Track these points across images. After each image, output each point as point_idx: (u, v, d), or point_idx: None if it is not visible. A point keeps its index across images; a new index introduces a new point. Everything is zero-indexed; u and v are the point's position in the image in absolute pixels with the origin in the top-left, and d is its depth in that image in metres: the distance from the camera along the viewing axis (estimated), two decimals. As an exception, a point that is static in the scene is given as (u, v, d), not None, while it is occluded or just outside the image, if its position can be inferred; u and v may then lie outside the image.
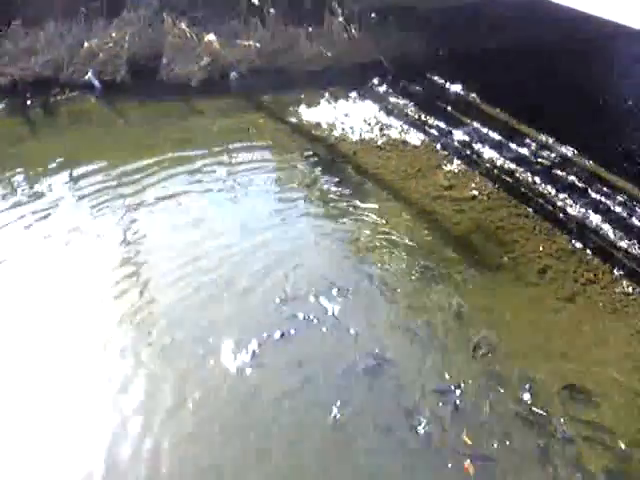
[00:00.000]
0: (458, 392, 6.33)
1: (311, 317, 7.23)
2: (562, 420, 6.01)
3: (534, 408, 6.17)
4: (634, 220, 9.14)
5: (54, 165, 10.11)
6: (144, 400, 6.23)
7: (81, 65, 12.31)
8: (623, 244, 8.66)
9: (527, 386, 6.40)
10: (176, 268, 7.96)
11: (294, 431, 5.96)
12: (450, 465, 5.60)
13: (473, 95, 12.44)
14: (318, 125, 11.25)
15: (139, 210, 9.10)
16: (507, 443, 5.83)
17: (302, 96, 12.19)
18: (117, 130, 11.01)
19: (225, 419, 6.07)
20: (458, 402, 6.23)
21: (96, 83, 12.21)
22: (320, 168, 10.14)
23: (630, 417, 6.08)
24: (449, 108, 12.09)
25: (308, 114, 11.55)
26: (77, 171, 9.94)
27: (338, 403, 6.16)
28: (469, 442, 5.78)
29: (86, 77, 12.19)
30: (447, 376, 6.53)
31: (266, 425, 6.00)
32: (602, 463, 5.64)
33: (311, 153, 10.49)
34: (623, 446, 5.78)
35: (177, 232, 8.65)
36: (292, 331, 7.02)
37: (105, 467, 5.60)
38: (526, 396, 6.31)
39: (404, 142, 10.90)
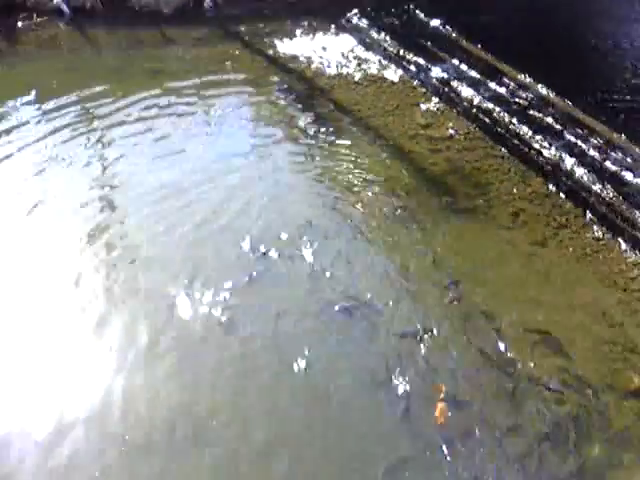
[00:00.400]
0: (427, 335, 6.42)
1: (284, 255, 7.19)
2: (531, 364, 6.17)
3: (503, 352, 6.31)
4: (608, 164, 9.18)
5: (21, 93, 9.70)
6: (118, 336, 6.22)
7: (49, -11, 11.69)
8: (596, 188, 8.72)
9: (497, 330, 6.52)
10: (147, 200, 7.82)
11: (267, 370, 6.02)
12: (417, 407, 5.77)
13: (453, 32, 12.16)
14: (295, 58, 10.94)
15: (110, 139, 8.85)
16: (476, 386, 5.98)
17: (279, 28, 11.80)
18: (87, 58, 10.57)
19: (198, 359, 6.12)
20: (427, 345, 6.32)
21: (65, 9, 11.64)
22: (296, 103, 9.92)
23: (596, 362, 6.26)
24: (428, 44, 11.83)
25: (285, 46, 11.22)
26: (45, 99, 9.56)
27: (310, 342, 6.23)
28: (442, 388, 5.89)
29: (54, 2, 11.59)
30: (418, 319, 6.60)
31: (238, 363, 6.06)
32: (568, 407, 5.83)
33: (287, 87, 10.24)
34: (589, 391, 5.97)
35: (148, 162, 8.47)
36: (264, 271, 7.00)
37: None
38: (495, 340, 6.43)
39: (382, 78, 10.69)
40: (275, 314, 6.50)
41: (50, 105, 9.43)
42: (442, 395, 5.79)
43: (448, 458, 5.35)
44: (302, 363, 6.02)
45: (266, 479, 5.20)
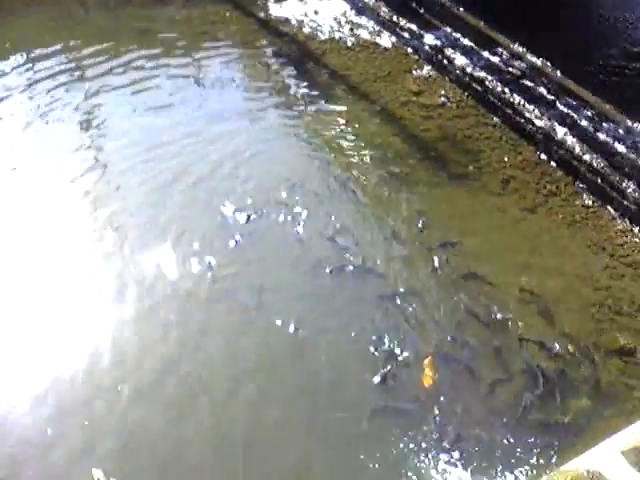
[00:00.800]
0: (416, 296, 6.43)
1: (274, 217, 7.15)
2: (519, 324, 6.21)
3: (492, 312, 6.34)
4: (599, 135, 9.18)
5: (7, 50, 9.47)
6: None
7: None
8: (587, 158, 8.73)
9: (485, 292, 6.55)
10: (137, 158, 7.74)
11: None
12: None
13: (448, -2, 12.03)
14: (287, 21, 10.77)
15: (98, 95, 8.71)
16: (465, 343, 6.02)
17: (270, -11, 11.59)
18: (75, 16, 10.29)
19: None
20: (416, 305, 6.34)
21: (52, -36, 11.29)
22: (287, 66, 9.80)
23: (583, 322, 6.31)
24: (422, 11, 11.68)
25: (277, 9, 11.03)
26: (33, 55, 9.36)
27: (300, 302, 6.26)
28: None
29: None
30: (408, 281, 6.61)
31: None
32: (554, 363, 5.90)
33: (279, 50, 10.10)
34: (576, 348, 6.03)
35: (136, 117, 8.37)
36: (250, 233, 6.98)
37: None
38: (486, 302, 6.46)
39: (375, 44, 10.57)
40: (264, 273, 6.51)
41: (37, 60, 9.25)
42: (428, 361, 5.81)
43: (435, 411, 5.43)
44: (292, 320, 6.05)
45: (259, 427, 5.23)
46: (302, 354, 5.82)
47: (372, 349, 5.89)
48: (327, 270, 6.60)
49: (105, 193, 7.28)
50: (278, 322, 6.03)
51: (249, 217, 7.10)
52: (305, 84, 9.45)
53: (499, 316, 6.27)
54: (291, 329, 5.98)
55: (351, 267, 6.67)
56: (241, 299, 6.23)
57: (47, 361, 5.59)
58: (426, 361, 5.74)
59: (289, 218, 7.16)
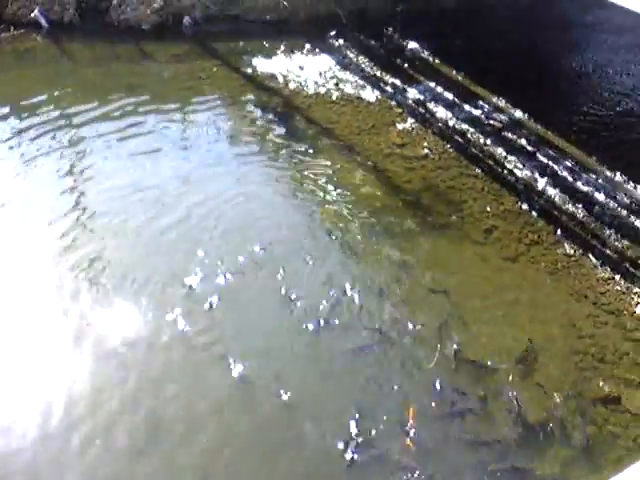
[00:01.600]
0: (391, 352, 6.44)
1: (261, 277, 7.17)
2: (501, 373, 6.21)
3: (474, 360, 6.35)
4: (579, 184, 9.34)
5: (-3, 104, 9.66)
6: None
7: (27, 2, 11.66)
8: (567, 207, 8.86)
9: (469, 345, 6.55)
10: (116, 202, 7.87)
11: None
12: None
13: (430, 54, 12.36)
14: (273, 77, 11.03)
15: (85, 151, 8.83)
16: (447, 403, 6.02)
17: (257, 46, 11.88)
18: (64, 71, 10.54)
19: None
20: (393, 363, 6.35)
21: (43, 22, 11.58)
22: (273, 120, 9.99)
23: (567, 371, 6.31)
24: (405, 66, 12.01)
25: (263, 65, 11.30)
26: (22, 110, 9.51)
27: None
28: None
29: (32, 14, 11.56)
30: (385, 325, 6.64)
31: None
32: (538, 414, 5.88)
33: (264, 105, 10.30)
34: (558, 399, 6.01)
35: (123, 172, 8.46)
36: (230, 284, 7.00)
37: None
38: (466, 351, 6.47)
39: (359, 98, 10.81)
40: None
41: (26, 115, 9.38)
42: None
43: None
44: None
45: None
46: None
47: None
48: (308, 321, 6.61)
49: (78, 236, 7.38)
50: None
51: (225, 273, 7.11)
52: (290, 137, 9.62)
53: (480, 365, 6.27)
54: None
55: (336, 321, 6.68)
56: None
57: None
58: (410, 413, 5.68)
59: (271, 271, 7.17)
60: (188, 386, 5.90)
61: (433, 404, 5.92)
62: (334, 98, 10.71)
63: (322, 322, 6.62)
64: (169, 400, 5.75)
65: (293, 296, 6.89)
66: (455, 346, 6.49)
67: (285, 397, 5.81)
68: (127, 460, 5.27)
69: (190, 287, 6.85)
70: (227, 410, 5.74)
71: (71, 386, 5.80)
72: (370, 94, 10.94)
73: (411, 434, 5.58)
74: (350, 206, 8.36)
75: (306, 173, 8.90)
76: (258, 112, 10.11)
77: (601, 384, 6.18)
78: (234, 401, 5.82)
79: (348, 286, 7.11)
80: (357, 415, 5.71)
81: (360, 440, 5.51)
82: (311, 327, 6.56)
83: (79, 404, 5.64)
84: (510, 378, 6.21)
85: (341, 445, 5.47)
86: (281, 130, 9.76)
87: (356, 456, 5.38)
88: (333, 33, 12.54)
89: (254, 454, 5.40)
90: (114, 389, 5.80)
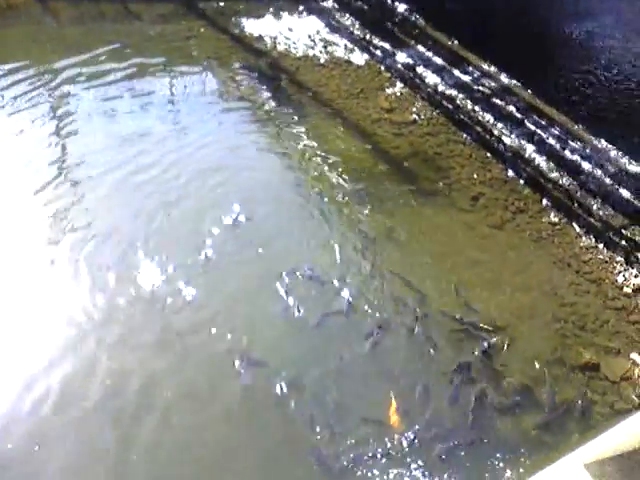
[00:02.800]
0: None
1: (241, 232, 7.17)
2: (484, 339, 6.29)
3: (457, 326, 6.43)
4: (567, 153, 9.36)
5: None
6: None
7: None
8: (554, 176, 8.89)
9: (451, 311, 6.62)
10: (107, 168, 7.78)
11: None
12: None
13: (420, 18, 12.21)
14: (261, 38, 10.85)
15: (68, 112, 8.64)
16: (430, 357, 6.10)
17: (246, 7, 11.65)
18: (48, 30, 10.26)
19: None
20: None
21: (26, -22, 11.24)
22: (260, 83, 9.84)
23: (548, 338, 6.41)
24: (395, 29, 11.86)
25: (251, 26, 11.09)
26: (4, 68, 9.28)
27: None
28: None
29: (15, -29, 11.21)
30: (370, 300, 6.67)
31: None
32: (518, 379, 5.99)
33: (252, 67, 10.14)
34: (538, 365, 6.12)
35: (106, 137, 8.33)
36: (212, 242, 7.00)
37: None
38: (449, 315, 6.55)
39: (348, 61, 10.69)
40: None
41: (8, 72, 9.17)
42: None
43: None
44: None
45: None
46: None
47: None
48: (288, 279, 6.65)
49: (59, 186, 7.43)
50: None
51: (216, 232, 7.10)
52: (277, 100, 9.51)
53: (463, 329, 6.34)
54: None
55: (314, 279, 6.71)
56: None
57: None
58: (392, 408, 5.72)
59: (254, 234, 7.16)
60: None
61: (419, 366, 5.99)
62: (322, 61, 10.58)
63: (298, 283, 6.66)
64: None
65: (268, 255, 6.90)
66: (440, 311, 6.54)
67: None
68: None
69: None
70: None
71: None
72: (359, 58, 10.82)
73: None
74: (336, 171, 8.31)
75: (292, 137, 8.82)
76: (245, 74, 9.95)
77: (581, 351, 6.29)
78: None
79: (332, 251, 7.11)
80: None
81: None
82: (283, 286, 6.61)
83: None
84: (492, 342, 6.28)
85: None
86: (268, 93, 9.63)
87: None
88: (322, -6, 12.33)
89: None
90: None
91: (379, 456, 5.23)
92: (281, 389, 5.63)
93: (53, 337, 5.86)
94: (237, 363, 5.79)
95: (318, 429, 5.37)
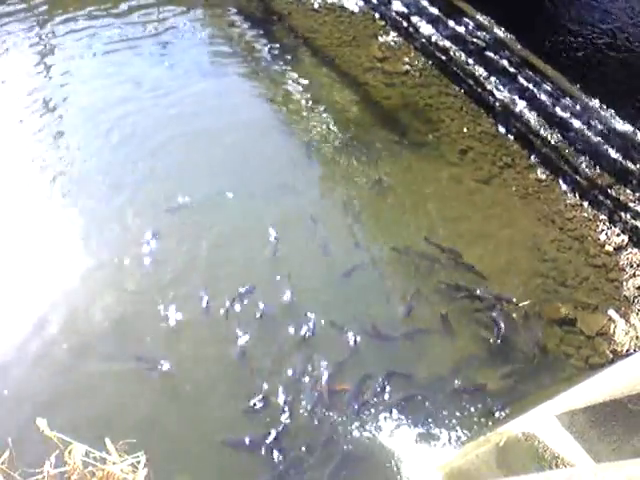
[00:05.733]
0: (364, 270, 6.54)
1: (229, 186, 7.15)
2: (465, 292, 6.38)
3: (441, 278, 6.51)
4: (557, 110, 9.31)
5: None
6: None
7: None
8: (543, 132, 8.87)
9: (437, 260, 6.68)
10: (94, 117, 7.65)
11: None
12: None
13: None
14: (253, -20, 10.59)
15: (57, 54, 8.50)
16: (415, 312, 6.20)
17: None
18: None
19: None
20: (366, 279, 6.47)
21: None
22: (252, 28, 9.68)
23: (528, 292, 6.50)
24: (391, -24, 11.60)
25: (243, -33, 10.81)
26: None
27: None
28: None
29: None
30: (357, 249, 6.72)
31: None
32: (497, 331, 6.08)
33: (243, 10, 9.94)
34: (517, 318, 6.24)
35: (96, 79, 8.20)
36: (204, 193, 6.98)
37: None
38: (434, 268, 6.61)
39: (341, 7, 10.49)
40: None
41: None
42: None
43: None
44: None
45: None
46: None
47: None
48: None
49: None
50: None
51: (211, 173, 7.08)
52: (269, 45, 9.38)
53: (447, 282, 6.42)
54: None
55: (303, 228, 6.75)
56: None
57: None
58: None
59: (243, 182, 7.14)
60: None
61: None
62: (316, 6, 10.38)
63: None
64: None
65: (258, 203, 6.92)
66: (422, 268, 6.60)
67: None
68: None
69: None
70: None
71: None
72: (353, 4, 10.61)
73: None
74: (327, 121, 8.26)
75: (283, 85, 8.73)
76: (236, 18, 9.77)
77: (559, 306, 6.39)
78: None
79: (320, 200, 7.12)
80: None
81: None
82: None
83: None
84: (472, 296, 6.38)
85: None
86: (260, 38, 9.49)
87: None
88: None
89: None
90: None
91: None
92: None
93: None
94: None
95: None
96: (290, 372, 5.52)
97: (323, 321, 5.89)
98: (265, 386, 5.39)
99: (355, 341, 5.78)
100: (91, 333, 5.59)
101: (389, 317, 6.05)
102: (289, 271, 6.25)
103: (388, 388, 5.48)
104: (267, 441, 5.06)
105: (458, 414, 5.37)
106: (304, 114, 8.33)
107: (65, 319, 5.64)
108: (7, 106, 7.68)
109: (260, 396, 5.29)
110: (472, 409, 5.41)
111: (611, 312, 6.42)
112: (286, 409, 5.27)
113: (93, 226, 6.44)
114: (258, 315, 5.87)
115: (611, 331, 6.26)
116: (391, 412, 5.35)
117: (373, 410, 5.36)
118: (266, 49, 9.31)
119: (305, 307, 5.97)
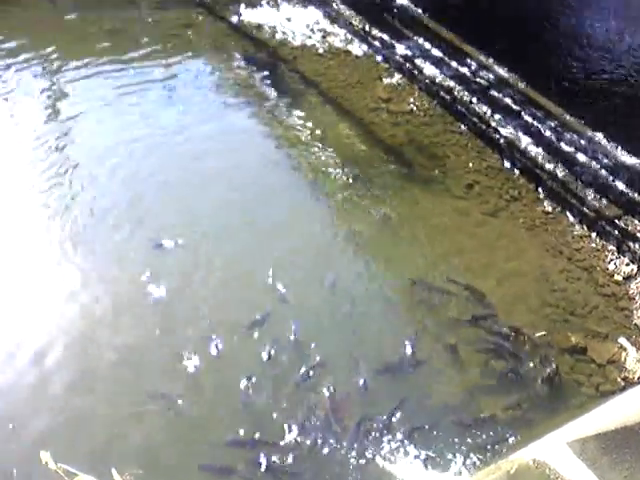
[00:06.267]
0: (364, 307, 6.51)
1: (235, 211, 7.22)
2: (476, 323, 6.34)
3: (451, 309, 6.48)
4: (562, 144, 9.40)
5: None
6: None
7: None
8: (549, 166, 8.93)
9: (447, 292, 6.66)
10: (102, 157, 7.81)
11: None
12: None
13: (418, 9, 12.24)
14: (259, 27, 10.89)
15: (65, 101, 8.70)
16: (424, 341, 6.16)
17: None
18: (46, 15, 10.31)
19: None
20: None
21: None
22: (258, 72, 9.89)
23: (537, 323, 6.45)
24: (394, 20, 11.90)
25: (249, 15, 11.13)
26: (2, 53, 9.34)
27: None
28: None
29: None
30: (364, 286, 6.71)
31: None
32: (509, 360, 6.04)
33: (250, 56, 10.18)
34: (528, 347, 6.17)
35: (105, 124, 8.36)
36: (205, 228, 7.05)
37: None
38: (445, 301, 6.59)
39: (346, 51, 10.74)
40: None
41: (6, 55, 9.22)
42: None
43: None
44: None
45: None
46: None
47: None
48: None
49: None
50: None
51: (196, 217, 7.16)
52: (275, 89, 9.56)
53: (456, 313, 6.39)
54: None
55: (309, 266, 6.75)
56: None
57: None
58: None
59: (250, 222, 7.21)
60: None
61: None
62: (321, 51, 10.63)
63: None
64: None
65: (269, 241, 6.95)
66: (432, 300, 6.57)
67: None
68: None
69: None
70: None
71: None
72: (357, 48, 10.86)
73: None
74: (334, 159, 8.36)
75: (290, 125, 8.87)
76: (243, 63, 10.00)
77: (569, 335, 6.34)
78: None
79: (327, 236, 7.17)
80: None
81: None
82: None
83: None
84: (483, 326, 6.34)
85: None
86: (266, 81, 9.69)
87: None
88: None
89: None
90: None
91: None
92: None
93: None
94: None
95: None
96: (297, 407, 5.46)
97: (330, 354, 5.85)
98: (270, 420, 5.33)
99: (364, 379, 5.73)
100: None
101: (397, 349, 6.00)
102: (295, 306, 6.24)
103: (397, 417, 5.42)
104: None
105: (470, 441, 5.29)
106: (310, 152, 8.45)
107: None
108: (17, 145, 7.84)
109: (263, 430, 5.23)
110: (485, 437, 5.33)
111: (622, 340, 6.36)
112: (296, 443, 5.21)
113: (94, 262, 6.47)
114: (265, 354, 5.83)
115: (622, 359, 6.19)
116: (403, 442, 5.28)
117: (383, 440, 5.29)
118: (273, 92, 9.50)
119: (311, 341, 5.94)
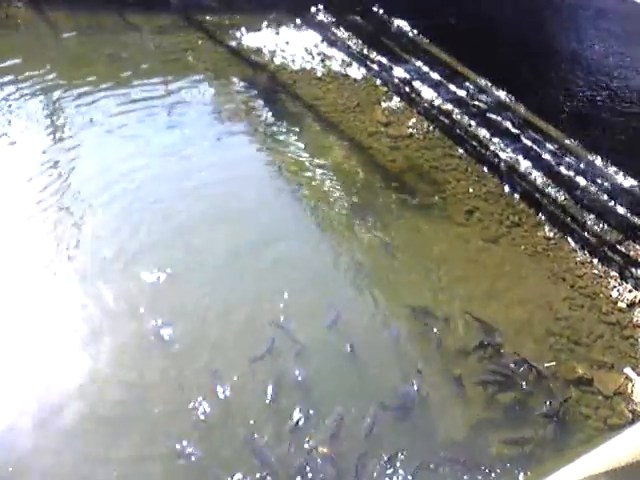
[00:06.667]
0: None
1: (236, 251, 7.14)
2: (478, 352, 6.27)
3: (452, 341, 6.40)
4: (562, 169, 9.40)
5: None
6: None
7: (9, -32, 11.31)
8: (549, 191, 8.92)
9: (447, 320, 6.59)
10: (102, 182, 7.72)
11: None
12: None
13: (417, 33, 12.30)
14: (258, 51, 10.90)
15: (67, 127, 8.64)
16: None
17: (243, 20, 11.70)
18: (46, 40, 10.29)
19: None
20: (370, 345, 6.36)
21: (25, -12, 11.23)
22: (258, 96, 9.86)
23: (541, 353, 6.39)
24: (392, 44, 11.94)
25: (248, 39, 11.15)
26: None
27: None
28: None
29: (14, -19, 11.22)
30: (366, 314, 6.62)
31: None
32: (513, 393, 5.96)
33: (249, 80, 10.16)
34: (532, 379, 6.10)
35: (104, 152, 8.29)
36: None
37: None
38: (446, 331, 6.51)
39: (345, 75, 10.75)
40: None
41: (5, 87, 9.18)
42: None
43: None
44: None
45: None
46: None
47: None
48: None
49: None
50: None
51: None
52: (274, 113, 9.53)
53: (458, 345, 6.32)
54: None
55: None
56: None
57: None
58: None
59: (249, 245, 7.10)
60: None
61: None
62: (319, 75, 10.63)
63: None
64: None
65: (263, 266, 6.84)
66: (435, 330, 6.49)
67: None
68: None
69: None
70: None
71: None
72: (356, 72, 10.88)
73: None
74: (333, 184, 8.32)
75: (290, 150, 8.83)
76: (243, 87, 9.98)
77: (575, 366, 6.27)
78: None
79: (327, 264, 7.10)
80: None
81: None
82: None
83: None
84: (485, 357, 6.26)
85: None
86: (266, 106, 9.65)
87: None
88: (320, 8, 12.42)
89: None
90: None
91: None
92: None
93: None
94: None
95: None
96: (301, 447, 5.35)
97: (333, 390, 5.76)
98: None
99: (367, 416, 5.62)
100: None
101: (401, 382, 5.91)
102: (296, 339, 6.15)
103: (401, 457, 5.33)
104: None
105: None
106: (310, 178, 8.40)
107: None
108: (15, 168, 7.73)
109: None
110: (492, 474, 5.24)
111: (628, 370, 6.29)
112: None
113: (93, 292, 6.36)
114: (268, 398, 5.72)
115: (629, 390, 6.12)
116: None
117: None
118: (271, 116, 9.47)
119: (314, 379, 5.83)
